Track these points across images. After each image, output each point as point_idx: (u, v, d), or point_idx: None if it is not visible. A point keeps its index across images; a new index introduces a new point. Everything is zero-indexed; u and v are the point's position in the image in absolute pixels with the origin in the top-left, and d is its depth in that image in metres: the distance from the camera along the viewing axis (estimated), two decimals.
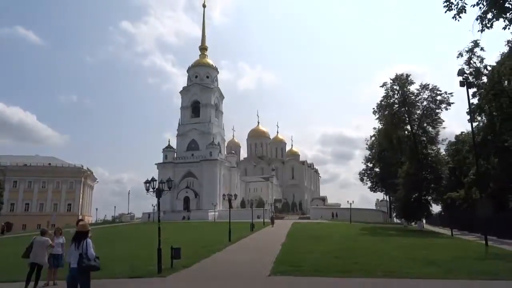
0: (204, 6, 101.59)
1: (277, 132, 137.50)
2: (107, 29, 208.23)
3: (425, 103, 44.15)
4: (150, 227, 33.81)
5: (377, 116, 47.24)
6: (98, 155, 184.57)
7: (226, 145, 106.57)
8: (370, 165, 67.14)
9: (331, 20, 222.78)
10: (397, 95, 45.18)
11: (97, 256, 7.17)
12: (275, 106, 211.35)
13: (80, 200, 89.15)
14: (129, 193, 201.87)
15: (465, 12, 10.72)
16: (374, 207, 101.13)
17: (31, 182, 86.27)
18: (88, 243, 7.12)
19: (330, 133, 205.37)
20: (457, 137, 51.94)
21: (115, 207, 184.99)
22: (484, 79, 33.66)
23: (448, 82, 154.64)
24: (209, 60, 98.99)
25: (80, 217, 72.97)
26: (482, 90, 33.49)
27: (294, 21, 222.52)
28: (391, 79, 45.24)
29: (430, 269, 12.77)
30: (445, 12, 10.92)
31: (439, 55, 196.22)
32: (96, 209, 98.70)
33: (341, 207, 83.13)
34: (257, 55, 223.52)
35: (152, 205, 70.83)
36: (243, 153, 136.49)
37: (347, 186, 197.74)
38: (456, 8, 10.70)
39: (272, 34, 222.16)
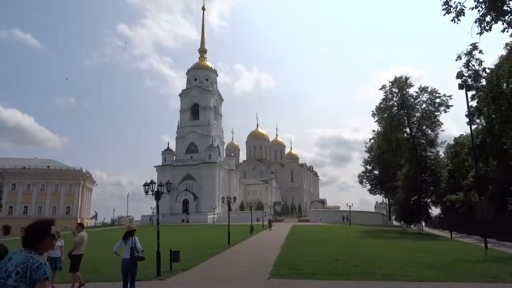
0: (203, 9, 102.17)
1: (276, 135, 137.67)
2: (104, 32, 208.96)
3: (424, 105, 44.24)
4: (149, 230, 33.71)
5: (376, 118, 47.28)
6: (95, 157, 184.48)
7: (225, 147, 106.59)
8: (369, 167, 67.11)
9: (328, 23, 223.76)
10: (396, 97, 45.24)
11: (142, 250, 9.23)
12: (274, 109, 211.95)
13: (79, 203, 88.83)
14: (128, 196, 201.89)
15: (463, 15, 10.75)
16: (373, 210, 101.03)
17: (30, 185, 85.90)
18: (136, 240, 9.20)
19: (328, 135, 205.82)
20: (456, 139, 51.96)
21: (113, 210, 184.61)
22: (483, 81, 33.72)
23: (445, 85, 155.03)
24: (208, 63, 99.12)
25: (79, 221, 72.71)
26: (481, 93, 33.53)
27: (292, 24, 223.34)
28: (390, 82, 45.36)
29: (430, 272, 12.73)
30: (444, 15, 10.94)
31: (435, 58, 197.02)
32: (96, 212, 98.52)
33: (340, 209, 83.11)
34: (254, 58, 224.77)
35: (151, 208, 70.75)
36: (242, 156, 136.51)
37: (346, 188, 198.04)
38: (455, 11, 10.73)
39: (269, 36, 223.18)
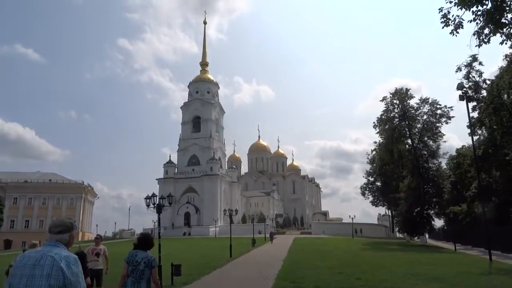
0: (204, 23, 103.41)
1: (278, 147, 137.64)
2: (105, 46, 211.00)
3: (425, 117, 44.31)
4: None
5: (378, 130, 47.34)
6: (96, 170, 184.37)
7: (226, 160, 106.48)
8: (371, 179, 66.88)
9: (326, 35, 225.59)
10: (397, 109, 45.39)
11: None
12: (274, 120, 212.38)
13: (81, 216, 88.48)
14: (129, 209, 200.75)
15: (462, 28, 10.84)
16: (376, 222, 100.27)
17: (31, 198, 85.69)
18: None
19: (328, 146, 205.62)
20: (458, 150, 51.83)
21: (115, 223, 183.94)
22: (484, 92, 33.83)
23: (445, 96, 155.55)
24: (210, 76, 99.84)
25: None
26: (482, 104, 33.61)
27: (289, 36, 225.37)
28: (390, 94, 45.56)
29: (434, 285, 12.59)
30: (443, 28, 11.04)
31: (434, 69, 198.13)
32: (96, 226, 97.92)
33: (343, 221, 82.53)
34: (252, 70, 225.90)
35: (153, 221, 70.39)
36: (244, 168, 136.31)
37: (348, 200, 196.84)
38: (453, 23, 10.83)
39: (267, 49, 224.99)
